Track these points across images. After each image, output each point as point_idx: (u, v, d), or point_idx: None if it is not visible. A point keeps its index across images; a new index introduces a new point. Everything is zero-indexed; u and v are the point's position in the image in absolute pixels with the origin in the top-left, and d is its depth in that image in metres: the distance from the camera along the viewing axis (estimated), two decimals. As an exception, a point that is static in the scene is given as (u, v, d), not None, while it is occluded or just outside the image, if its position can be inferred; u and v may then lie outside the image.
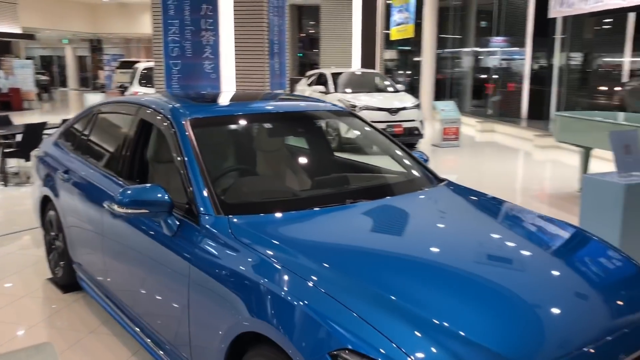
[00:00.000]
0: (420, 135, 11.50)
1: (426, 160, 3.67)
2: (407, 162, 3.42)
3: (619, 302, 2.16)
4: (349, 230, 2.60)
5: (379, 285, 2.04)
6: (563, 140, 7.59)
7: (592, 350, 1.85)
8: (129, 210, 2.64)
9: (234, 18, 7.32)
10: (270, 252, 2.27)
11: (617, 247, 2.62)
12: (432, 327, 1.84)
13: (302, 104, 3.84)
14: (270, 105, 3.68)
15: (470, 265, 2.30)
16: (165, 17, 7.31)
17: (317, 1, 17.74)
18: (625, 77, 16.83)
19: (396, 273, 2.19)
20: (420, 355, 1.73)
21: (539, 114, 15.76)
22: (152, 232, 2.81)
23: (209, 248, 2.45)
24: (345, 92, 11.81)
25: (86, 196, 3.58)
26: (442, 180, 3.31)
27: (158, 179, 3.26)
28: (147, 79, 12.12)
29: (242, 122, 3.41)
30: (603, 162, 8.04)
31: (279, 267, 2.17)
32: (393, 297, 1.97)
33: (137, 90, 11.75)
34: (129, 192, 2.65)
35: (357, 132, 3.93)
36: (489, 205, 3.03)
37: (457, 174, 9.17)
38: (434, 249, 2.43)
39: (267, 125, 3.56)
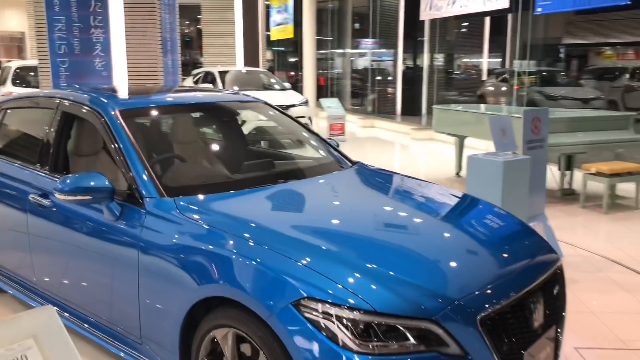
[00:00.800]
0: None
1: (337, 144, 4.06)
2: (322, 147, 3.77)
3: (509, 252, 2.61)
4: (283, 204, 2.91)
5: (319, 244, 2.37)
6: (440, 131, 8.39)
7: (489, 292, 2.26)
8: (71, 197, 2.72)
9: (125, 15, 7.25)
10: (219, 225, 2.50)
11: (505, 210, 3.15)
12: (366, 270, 2.20)
13: (220, 95, 4.06)
14: (193, 97, 3.85)
15: (387, 227, 2.71)
16: (50, 13, 7.06)
17: (197, 0, 17.63)
18: (484, 76, 18.67)
19: (328, 234, 2.53)
20: (364, 293, 2.07)
21: (411, 111, 16.95)
22: (90, 222, 2.90)
23: (159, 229, 2.61)
24: (234, 90, 11.97)
25: (4, 194, 3.52)
26: (355, 162, 3.70)
27: (86, 169, 3.31)
28: (20, 78, 11.48)
29: (169, 113, 3.56)
30: (473, 151, 9.00)
31: (231, 236, 2.40)
32: (331, 251, 2.31)
33: (11, 90, 11.04)
34: (68, 180, 2.73)
35: (273, 123, 4.21)
36: (399, 180, 3.46)
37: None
38: (369, 217, 2.80)
39: (193, 115, 3.73)
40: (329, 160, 3.65)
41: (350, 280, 2.14)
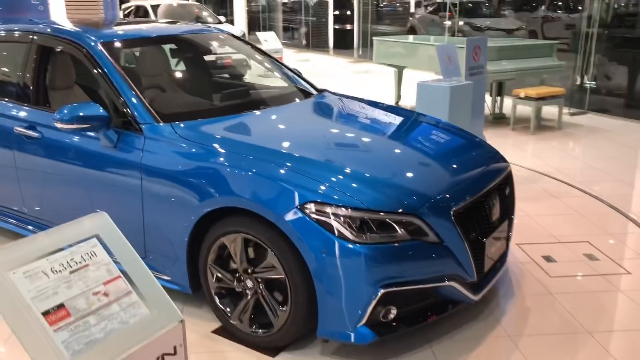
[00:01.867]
0: (248, 66, 12.00)
1: (301, 74, 4.35)
2: (292, 77, 4.04)
3: (472, 160, 3.06)
4: (267, 126, 3.20)
5: (311, 156, 2.71)
6: (380, 62, 8.74)
7: (447, 196, 2.68)
8: (71, 126, 2.89)
9: (61, -54, 7.00)
10: (219, 145, 2.77)
11: (461, 128, 3.59)
12: (358, 177, 2.58)
13: (193, 27, 4.21)
14: (168, 29, 3.97)
15: (366, 142, 3.09)
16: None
17: None
18: (412, 9, 19.01)
19: (316, 150, 2.86)
20: (358, 195, 2.45)
21: (344, 44, 17.17)
22: (85, 151, 3.07)
23: (161, 152, 2.84)
24: (169, 25, 11.73)
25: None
26: (322, 90, 4.01)
27: (67, 102, 3.44)
28: None
29: (149, 44, 3.70)
30: (411, 81, 9.44)
31: (231, 153, 2.69)
32: (323, 162, 2.67)
33: None
34: (66, 110, 2.89)
35: (243, 55, 4.41)
36: (366, 103, 3.81)
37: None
38: (338, 135, 3.17)
39: (170, 47, 3.87)
40: (300, 88, 3.93)
41: (344, 184, 2.51)
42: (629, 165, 5.76)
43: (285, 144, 2.88)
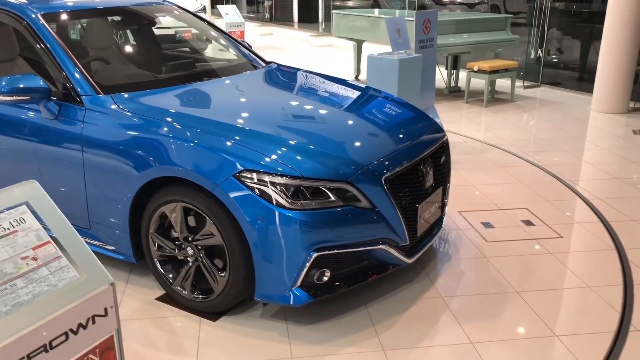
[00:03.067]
0: (209, 40, 11.89)
1: (251, 47, 4.39)
2: (238, 49, 4.08)
3: (405, 131, 3.14)
4: (209, 98, 3.25)
5: (246, 126, 2.78)
6: (340, 36, 8.78)
7: (390, 159, 2.78)
8: (9, 98, 2.89)
9: None
10: (159, 116, 2.82)
11: (404, 100, 3.69)
12: (291, 145, 2.66)
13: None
14: (114, 1, 3.94)
15: (304, 113, 3.16)
16: None
17: None
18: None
19: (253, 119, 2.93)
20: (292, 162, 2.54)
21: (308, 17, 17.08)
22: (25, 123, 3.07)
23: (101, 123, 2.87)
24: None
25: None
26: (269, 62, 4.06)
27: (12, 74, 3.42)
28: None
29: (90, 16, 3.68)
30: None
31: (170, 123, 2.74)
32: (258, 131, 2.73)
33: None
34: (4, 82, 2.88)
35: (191, 29, 4.41)
36: (312, 75, 3.88)
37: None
38: (293, 104, 3.25)
39: (113, 18, 3.86)
40: (246, 60, 3.97)
41: (279, 152, 2.59)
42: (574, 136, 5.97)
43: (227, 115, 2.94)
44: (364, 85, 3.83)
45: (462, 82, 7.96)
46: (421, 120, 3.36)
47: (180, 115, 2.86)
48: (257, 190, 2.49)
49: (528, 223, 3.87)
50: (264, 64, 3.98)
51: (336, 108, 3.31)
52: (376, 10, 9.96)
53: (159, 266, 2.89)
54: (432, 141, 3.15)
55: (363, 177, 2.62)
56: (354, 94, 3.61)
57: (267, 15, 18.09)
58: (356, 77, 8.81)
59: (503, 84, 8.12)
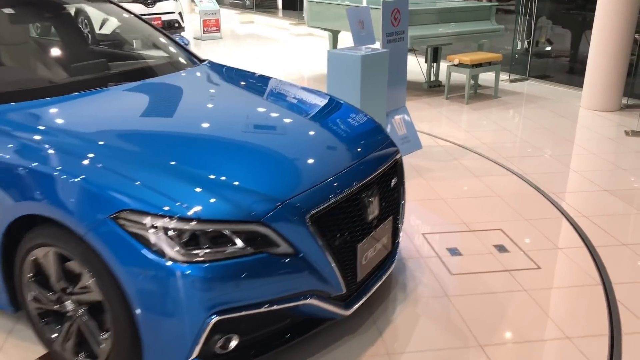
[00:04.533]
0: (181, 28, 11.27)
1: (187, 44, 3.79)
2: (167, 46, 3.50)
3: (345, 149, 2.55)
4: (115, 109, 2.66)
5: (154, 154, 2.20)
6: (314, 25, 8.16)
7: (320, 189, 2.21)
8: None
9: None
10: (37, 137, 2.25)
11: (359, 109, 3.10)
12: (193, 177, 2.08)
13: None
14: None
15: (225, 128, 2.57)
16: None
17: None
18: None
19: (158, 140, 2.35)
20: (188, 200, 1.97)
21: (293, 4, 16.40)
22: None
23: (-37, 142, 2.30)
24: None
25: None
26: (203, 60, 3.48)
27: None
28: None
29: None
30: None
31: (49, 150, 2.17)
32: (157, 159, 2.15)
33: None
34: None
35: (115, 24, 3.82)
36: (251, 79, 3.30)
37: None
38: (204, 120, 2.63)
39: (9, 11, 3.26)
40: (174, 58, 3.39)
41: (174, 188, 2.02)
42: (561, 138, 5.42)
43: (116, 134, 2.36)
44: (305, 88, 3.25)
45: (443, 76, 7.39)
46: (368, 135, 2.78)
47: (54, 134, 2.28)
48: (139, 237, 1.93)
49: (501, 249, 3.34)
50: (194, 63, 3.39)
51: (262, 122, 2.72)
52: None
53: (37, 320, 2.34)
54: (379, 162, 2.58)
55: (281, 215, 2.07)
56: (289, 102, 3.02)
57: (248, 2, 17.37)
58: (331, 70, 8.21)
59: (488, 77, 7.55)
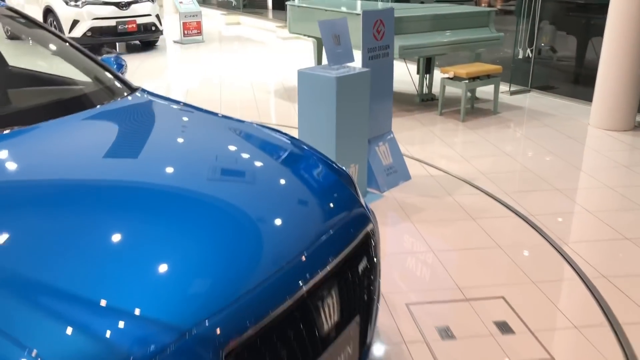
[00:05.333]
0: (158, 32, 10.55)
1: (122, 66, 3.09)
2: (95, 70, 2.79)
3: (309, 227, 1.86)
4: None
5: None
6: (295, 32, 7.47)
7: (244, 305, 1.48)
8: None
9: None
10: None
11: (319, 154, 2.38)
12: (38, 306, 1.36)
13: None
14: None
15: (133, 211, 1.79)
16: None
17: None
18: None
19: (27, 242, 1.62)
20: (29, 340, 1.27)
21: (283, 5, 15.69)
22: None
23: None
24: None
25: None
26: (135, 89, 2.77)
27: None
28: None
29: None
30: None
31: None
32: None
33: None
34: None
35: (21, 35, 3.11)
36: (175, 119, 2.58)
37: (197, 72, 8.63)
38: (79, 192, 1.83)
39: None
40: (93, 88, 2.68)
41: (15, 318, 1.33)
42: (569, 165, 4.75)
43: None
44: (247, 125, 2.51)
45: (437, 87, 6.71)
46: (329, 201, 2.04)
47: None
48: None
49: (504, 328, 2.66)
50: (120, 95, 2.65)
51: (180, 192, 1.91)
52: (344, 1, 8.47)
53: None
54: (341, 243, 1.88)
55: (183, 353, 1.38)
56: (219, 157, 2.23)
57: (234, 2, 16.64)
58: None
59: (486, 87, 6.87)
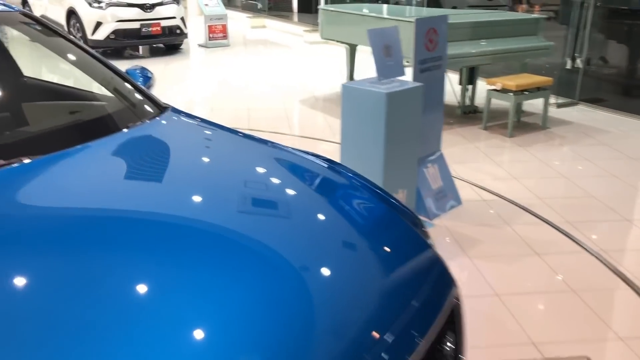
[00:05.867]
0: (183, 35, 10.25)
1: (149, 79, 2.72)
2: (119, 85, 2.42)
3: (375, 304, 1.40)
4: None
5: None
6: (328, 38, 7.08)
7: None
8: None
9: None
10: None
11: (384, 192, 1.98)
12: None
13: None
14: None
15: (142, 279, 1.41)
16: None
17: None
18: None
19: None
20: None
21: (308, 8, 15.34)
22: None
23: None
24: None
25: None
26: (164, 107, 2.39)
27: None
28: None
29: None
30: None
31: None
32: None
33: None
34: None
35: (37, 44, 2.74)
36: (211, 146, 2.19)
37: (222, 78, 8.28)
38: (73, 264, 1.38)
39: None
40: (117, 106, 2.30)
41: None
42: (637, 191, 4.28)
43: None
44: (311, 162, 2.12)
45: (479, 99, 6.27)
46: (402, 255, 1.66)
47: None
48: None
49: (596, 400, 2.23)
50: (148, 116, 2.25)
51: (235, 248, 1.47)
52: (384, 6, 7.99)
53: None
54: (427, 320, 1.48)
55: None
56: (285, 198, 1.81)
57: (260, 5, 16.31)
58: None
59: (532, 100, 6.40)
